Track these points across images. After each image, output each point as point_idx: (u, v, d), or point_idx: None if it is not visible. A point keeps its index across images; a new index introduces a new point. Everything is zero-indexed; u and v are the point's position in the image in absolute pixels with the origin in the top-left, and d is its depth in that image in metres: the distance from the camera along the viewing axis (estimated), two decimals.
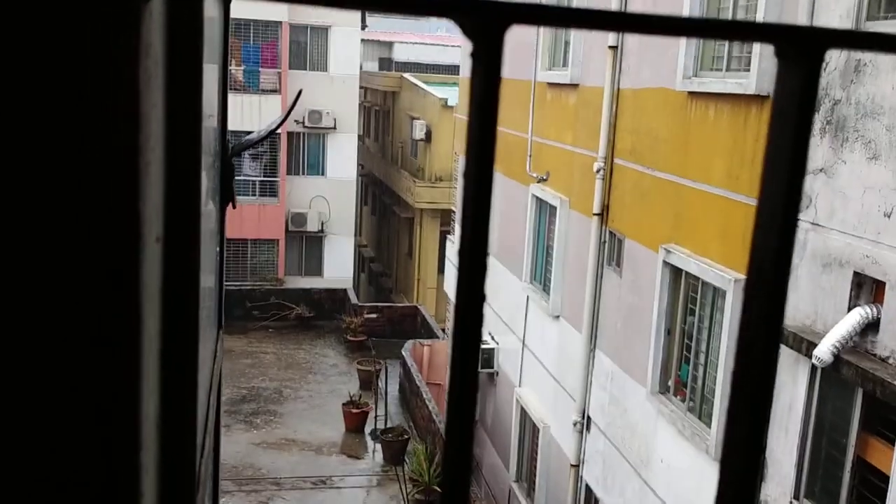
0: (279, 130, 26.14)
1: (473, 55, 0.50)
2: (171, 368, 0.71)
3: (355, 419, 18.31)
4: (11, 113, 0.45)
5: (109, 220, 0.46)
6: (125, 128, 0.46)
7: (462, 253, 0.52)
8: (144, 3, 0.47)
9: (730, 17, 8.39)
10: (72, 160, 0.45)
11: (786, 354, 7.18)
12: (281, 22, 26.15)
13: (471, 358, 0.51)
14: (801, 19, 7.02)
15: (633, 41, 10.33)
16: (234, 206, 1.68)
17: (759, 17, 7.61)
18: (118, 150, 0.45)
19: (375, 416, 18.22)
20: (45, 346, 0.47)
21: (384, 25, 47.40)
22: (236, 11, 27.55)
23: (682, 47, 8.91)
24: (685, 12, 8.88)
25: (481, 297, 0.52)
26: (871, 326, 6.27)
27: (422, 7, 0.50)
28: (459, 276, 0.50)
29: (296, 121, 26.84)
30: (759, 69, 7.59)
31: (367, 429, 18.35)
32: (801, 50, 0.53)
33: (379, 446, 17.47)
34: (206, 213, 1.31)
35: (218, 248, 1.64)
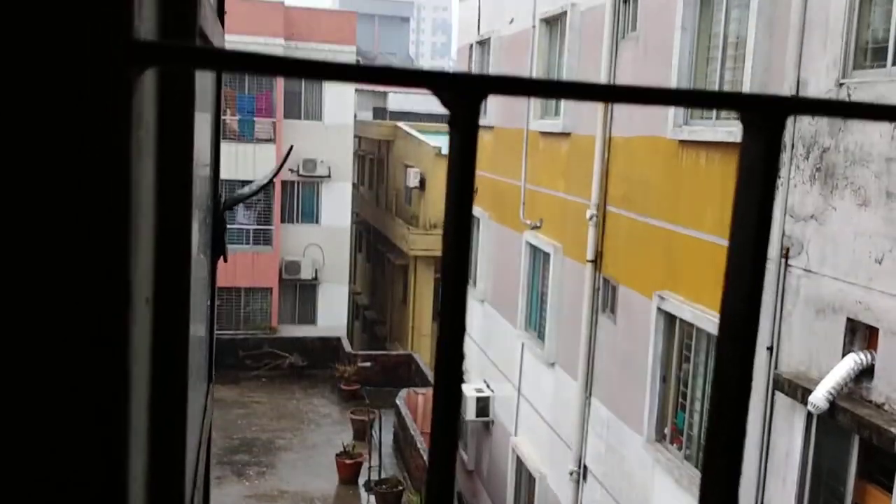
0: (273, 179, 26.26)
1: (450, 123, 0.52)
2: (159, 429, 0.72)
3: (349, 470, 18.09)
4: (4, 179, 0.47)
5: (98, 286, 0.48)
6: (115, 196, 0.47)
7: (442, 325, 0.54)
8: (137, 75, 0.50)
9: (718, 68, 8.52)
10: (61, 229, 0.47)
11: (781, 401, 7.16)
12: None
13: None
14: (789, 70, 7.14)
15: None
16: (225, 260, 1.69)
17: (748, 67, 7.74)
18: (107, 218, 0.47)
19: (369, 467, 18.01)
20: (30, 410, 0.48)
21: None
22: None
23: None
24: (674, 72, 9.02)
25: (461, 358, 0.53)
26: (866, 372, 6.27)
27: (401, 79, 0.53)
28: (439, 351, 0.51)
29: (290, 169, 26.98)
30: None
31: (361, 480, 18.12)
32: (764, 117, 0.55)
33: (373, 498, 17.23)
34: (198, 266, 1.32)
35: (209, 302, 1.65)
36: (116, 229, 0.47)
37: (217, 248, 1.61)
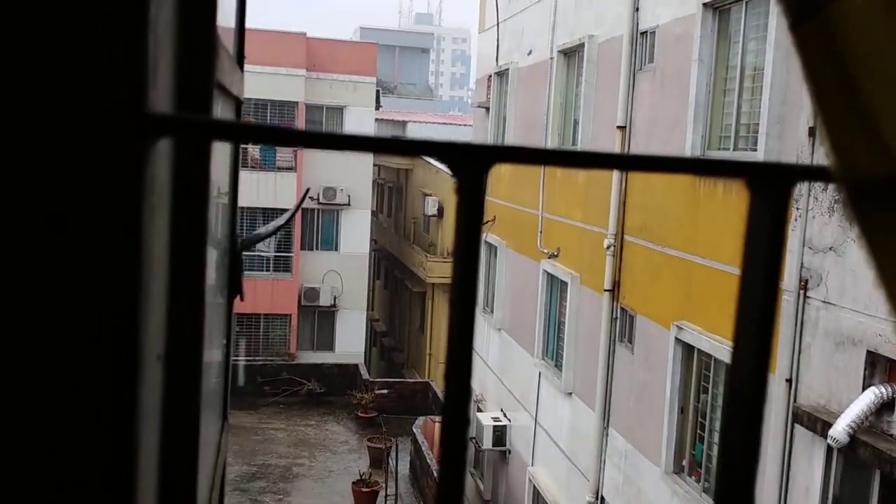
0: (290, 220, 26.38)
1: (457, 191, 0.54)
2: (169, 484, 0.73)
3: (365, 498, 17.99)
4: (15, 239, 0.48)
5: (108, 349, 0.49)
6: (126, 263, 0.48)
7: (447, 385, 0.54)
8: (150, 146, 0.51)
9: (735, 100, 8.52)
10: (73, 292, 0.48)
11: (801, 434, 7.07)
12: (297, 102, 26.70)
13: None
14: (807, 102, 7.12)
15: (641, 120, 10.49)
16: (241, 299, 1.71)
17: (765, 99, 7.74)
18: (118, 283, 0.48)
19: (386, 496, 17.90)
20: (38, 476, 0.49)
21: (399, 105, 48.35)
22: (253, 92, 27.98)
23: (690, 125, 9.04)
24: (690, 104, 9.04)
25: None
26: (887, 406, 6.19)
27: (412, 150, 0.54)
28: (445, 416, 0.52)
29: (311, 197, 27.15)
30: (766, 147, 7.69)
31: None
32: (770, 184, 0.56)
33: None
34: (213, 311, 1.34)
35: (224, 341, 1.67)
36: (127, 291, 0.48)
37: (234, 287, 1.62)
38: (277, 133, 0.50)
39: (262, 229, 3.43)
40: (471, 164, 0.51)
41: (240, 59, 1.52)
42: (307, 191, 4.48)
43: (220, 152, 1.49)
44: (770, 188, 0.55)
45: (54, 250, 0.48)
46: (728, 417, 0.56)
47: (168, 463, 0.70)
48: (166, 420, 0.69)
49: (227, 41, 1.38)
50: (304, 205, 27.11)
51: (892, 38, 0.49)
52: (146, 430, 0.58)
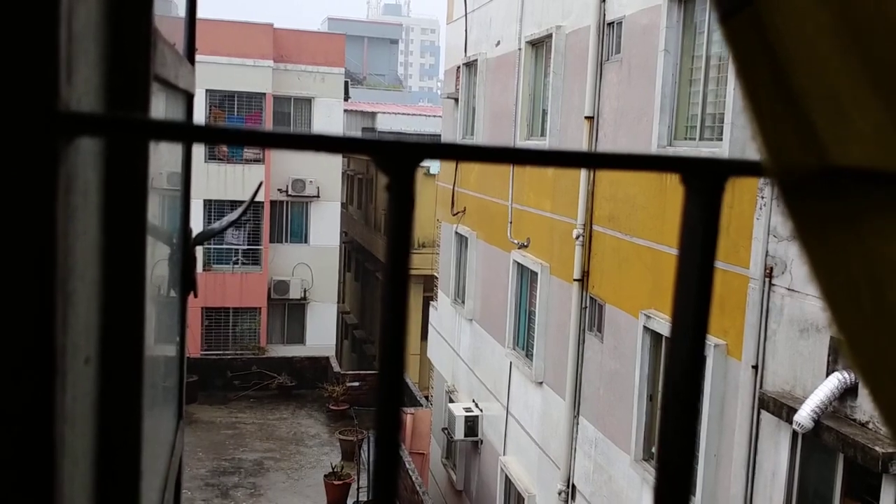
0: (262, 200, 26.26)
1: (388, 188, 0.53)
2: (108, 483, 0.71)
3: (337, 491, 17.97)
4: None
5: (18, 349, 0.47)
6: (36, 263, 0.47)
7: (381, 373, 0.54)
8: (66, 144, 0.49)
9: (701, 89, 8.59)
10: None
11: (767, 420, 7.17)
12: (265, 93, 26.50)
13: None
14: None
15: (609, 111, 10.53)
16: (195, 296, 1.69)
17: (730, 89, 7.80)
18: (28, 285, 0.47)
19: (358, 488, 17.90)
20: None
21: (368, 96, 48.12)
22: (220, 83, 27.68)
23: (657, 116, 9.10)
24: (657, 93, 9.09)
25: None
26: (850, 391, 6.29)
27: (343, 147, 0.53)
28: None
29: (279, 189, 27.00)
30: (731, 138, 7.75)
31: (350, 501, 18.00)
32: (704, 179, 0.56)
33: None
34: (165, 306, 1.32)
35: (178, 338, 1.65)
36: (41, 299, 0.47)
37: (186, 283, 1.60)
38: (199, 131, 0.49)
39: (215, 224, 3.41)
40: (399, 160, 0.50)
41: (190, 51, 1.49)
42: (260, 184, 4.45)
43: (171, 147, 1.46)
44: (704, 183, 0.55)
45: None
46: (665, 398, 0.56)
47: (106, 466, 0.68)
48: (103, 421, 0.67)
49: (176, 34, 1.35)
50: (273, 197, 26.95)
51: (825, 29, 0.48)
52: (74, 433, 0.57)
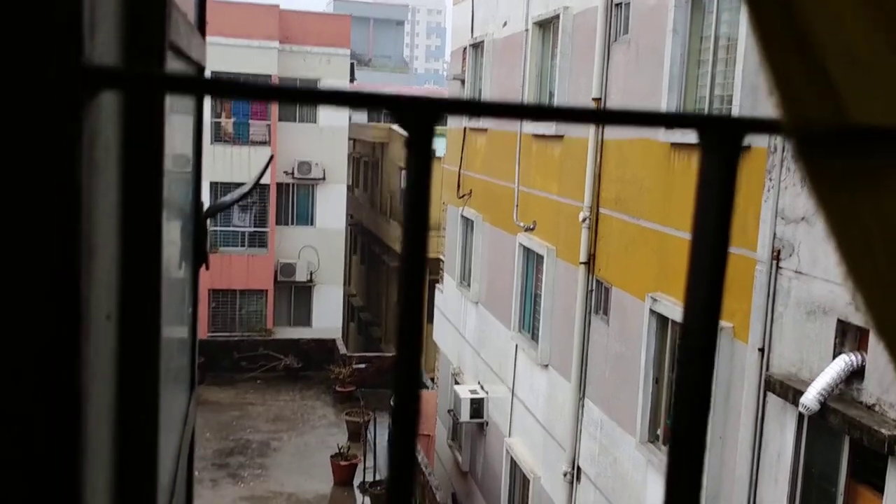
0: (268, 182, 26.27)
1: (407, 144, 0.54)
2: (127, 442, 0.72)
3: (344, 472, 18.09)
4: None
5: (47, 304, 0.48)
6: (63, 214, 0.47)
7: (400, 332, 0.54)
8: (89, 99, 0.50)
9: (710, 70, 8.55)
10: (8, 245, 0.47)
11: (773, 402, 7.18)
12: (271, 75, 26.45)
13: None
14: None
15: (616, 92, 10.49)
16: (207, 268, 1.69)
17: (738, 70, 7.76)
18: (55, 236, 0.47)
19: (364, 468, 18.01)
20: None
21: (374, 78, 47.96)
22: (226, 65, 27.62)
23: (665, 96, 9.06)
24: (665, 74, 9.04)
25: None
26: (857, 374, 6.29)
27: (362, 103, 0.53)
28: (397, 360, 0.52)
29: (285, 172, 26.99)
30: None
31: (356, 481, 18.12)
32: (721, 137, 0.56)
33: (368, 499, 17.23)
34: (174, 275, 1.32)
35: (191, 309, 1.66)
36: (65, 247, 0.47)
37: (198, 255, 1.61)
38: (216, 85, 0.49)
39: (226, 197, 3.41)
40: (419, 116, 0.51)
41: (201, 24, 1.49)
42: (271, 157, 4.46)
43: (183, 122, 1.47)
44: (721, 140, 0.55)
45: None
46: (681, 364, 0.57)
47: (125, 422, 0.69)
48: (122, 379, 0.68)
49: (187, 6, 1.35)
50: (279, 179, 26.94)
51: None
52: (96, 386, 0.58)
